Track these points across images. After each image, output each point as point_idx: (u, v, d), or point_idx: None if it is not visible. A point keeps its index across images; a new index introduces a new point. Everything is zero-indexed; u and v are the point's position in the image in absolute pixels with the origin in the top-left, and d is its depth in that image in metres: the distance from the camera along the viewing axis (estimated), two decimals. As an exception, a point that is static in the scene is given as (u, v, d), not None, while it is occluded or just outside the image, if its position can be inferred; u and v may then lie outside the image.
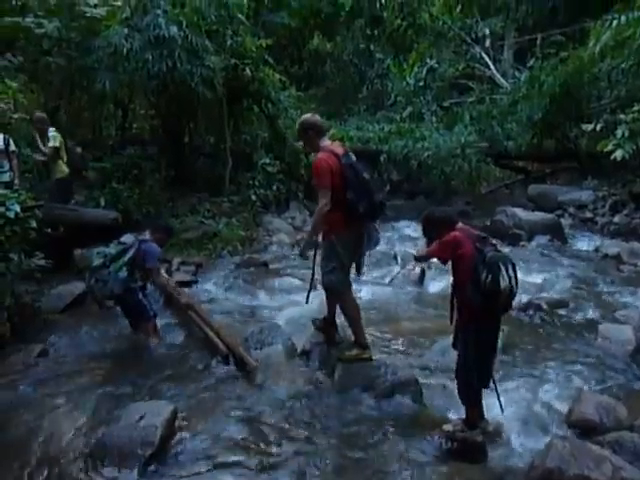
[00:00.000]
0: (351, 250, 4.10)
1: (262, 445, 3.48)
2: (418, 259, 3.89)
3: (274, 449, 3.44)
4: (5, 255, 4.95)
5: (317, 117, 4.21)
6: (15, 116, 11.24)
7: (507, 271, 3.15)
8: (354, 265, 4.26)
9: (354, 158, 4.04)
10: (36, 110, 8.06)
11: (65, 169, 7.29)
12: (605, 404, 3.81)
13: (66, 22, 8.22)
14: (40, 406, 3.85)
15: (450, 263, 3.38)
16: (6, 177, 6.47)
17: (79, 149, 7.33)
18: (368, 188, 3.92)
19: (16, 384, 4.19)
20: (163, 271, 6.48)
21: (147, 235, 4.73)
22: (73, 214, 6.49)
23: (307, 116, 4.24)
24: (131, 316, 4.98)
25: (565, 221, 10.64)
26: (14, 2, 10.16)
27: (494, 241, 3.42)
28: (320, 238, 4.26)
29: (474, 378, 3.41)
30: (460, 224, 3.40)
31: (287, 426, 3.70)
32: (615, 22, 9.58)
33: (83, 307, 5.85)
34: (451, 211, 3.55)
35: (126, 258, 4.50)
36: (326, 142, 4.12)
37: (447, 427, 3.58)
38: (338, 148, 4.07)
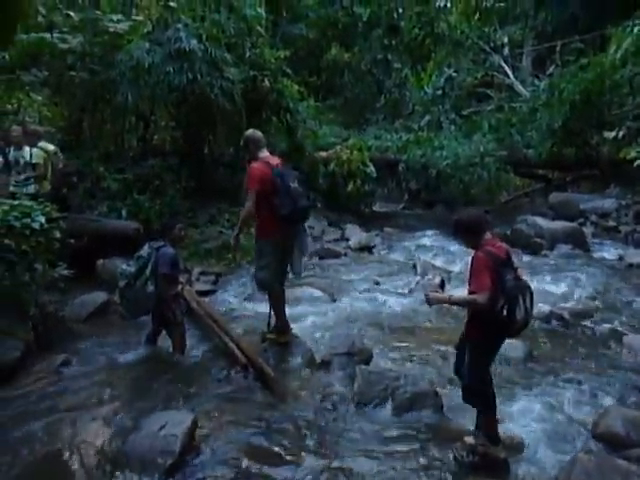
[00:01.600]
0: (280, 250, 4.65)
1: (282, 456, 3.48)
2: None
3: (294, 460, 3.43)
4: (30, 265, 5.04)
5: (257, 133, 4.77)
6: (40, 129, 11.50)
7: (524, 302, 3.18)
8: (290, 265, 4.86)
9: (286, 169, 4.64)
10: (31, 124, 8.07)
11: (46, 186, 6.90)
12: (632, 418, 3.75)
13: (89, 37, 8.41)
14: (62, 414, 3.90)
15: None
16: (31, 189, 6.60)
17: (61, 164, 7.06)
18: (293, 195, 4.42)
19: (40, 393, 4.25)
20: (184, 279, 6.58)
21: (161, 241, 4.74)
22: (95, 225, 6.60)
23: (250, 132, 4.82)
24: (164, 325, 4.94)
25: (587, 230, 10.48)
26: (40, 19, 10.45)
27: (516, 262, 3.39)
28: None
29: (487, 385, 3.47)
30: (489, 235, 3.36)
31: (306, 437, 3.70)
32: (636, 28, 9.49)
33: (106, 316, 5.93)
34: (481, 216, 3.50)
35: (148, 272, 4.51)
36: (265, 154, 4.66)
37: (469, 440, 3.52)
38: (273, 160, 4.65)
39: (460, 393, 4.10)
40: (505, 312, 3.14)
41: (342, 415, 3.95)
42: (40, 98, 11.08)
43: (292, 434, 3.72)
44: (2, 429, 3.71)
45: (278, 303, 4.89)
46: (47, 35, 8.97)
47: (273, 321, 5.01)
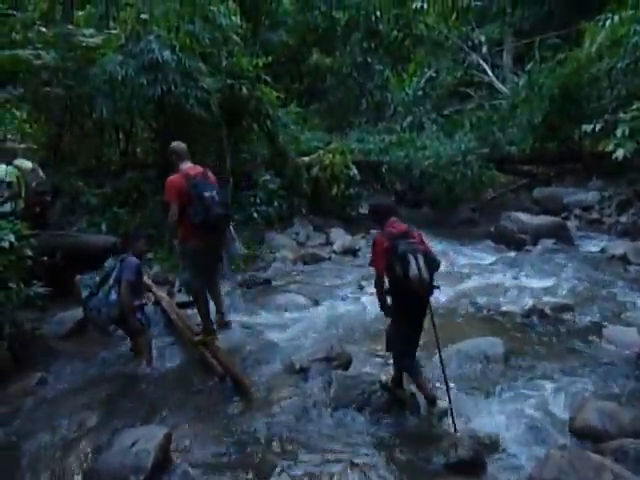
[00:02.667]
0: (201, 255, 4.94)
1: (257, 467, 3.44)
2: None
3: (269, 471, 3.39)
4: (3, 284, 4.98)
5: (180, 145, 5.04)
6: (22, 146, 11.45)
7: (416, 261, 3.58)
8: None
9: (204, 179, 4.84)
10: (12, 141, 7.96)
11: (21, 204, 6.59)
12: (608, 410, 3.73)
13: (62, 53, 8.35)
14: (36, 433, 3.85)
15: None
16: (7, 207, 6.52)
17: (34, 183, 6.89)
18: (206, 204, 4.69)
19: (14, 412, 4.19)
20: (163, 293, 6.54)
21: (124, 254, 4.73)
22: (72, 240, 6.54)
23: (174, 144, 5.12)
24: (132, 336, 4.97)
25: (571, 223, 10.56)
26: (15, 35, 10.41)
27: (415, 234, 3.86)
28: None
29: (401, 353, 4.01)
30: (394, 219, 3.89)
31: (282, 446, 3.66)
32: (609, 22, 9.55)
33: (84, 333, 5.84)
34: (389, 203, 4.46)
35: (111, 281, 4.53)
36: (187, 165, 4.92)
37: (383, 378, 4.13)
38: (194, 170, 4.88)
39: (438, 394, 4.13)
40: (401, 272, 3.58)
41: (318, 422, 3.91)
42: (19, 114, 11.04)
43: (267, 444, 3.69)
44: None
45: (200, 304, 5.17)
46: (21, 52, 8.93)
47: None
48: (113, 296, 4.53)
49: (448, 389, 3.82)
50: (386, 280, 3.83)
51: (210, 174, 5.02)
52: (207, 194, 4.73)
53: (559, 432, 3.76)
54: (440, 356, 3.92)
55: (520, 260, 8.25)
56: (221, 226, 4.96)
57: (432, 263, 3.71)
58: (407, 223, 3.94)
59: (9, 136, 11.44)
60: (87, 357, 5.25)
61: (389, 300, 3.95)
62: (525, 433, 3.74)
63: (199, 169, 4.96)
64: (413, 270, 3.54)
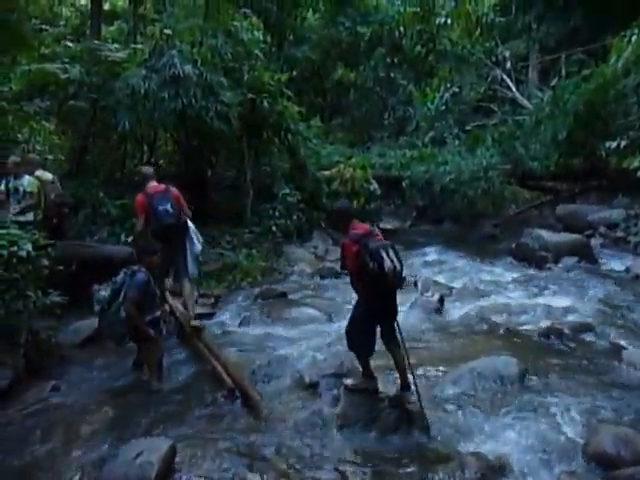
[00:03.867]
0: (166, 257, 5.52)
1: (260, 483, 3.41)
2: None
3: (271, 487, 3.36)
4: (21, 293, 5.07)
5: (147, 169, 6.24)
6: (50, 157, 11.74)
7: (388, 255, 3.85)
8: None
9: (161, 195, 5.77)
10: (41, 152, 8.20)
11: (40, 214, 6.76)
12: (624, 436, 3.60)
13: (88, 67, 8.58)
14: (45, 441, 3.89)
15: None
16: (30, 217, 6.67)
17: (52, 194, 7.01)
18: (159, 216, 5.68)
19: (25, 419, 4.24)
20: (179, 304, 6.56)
21: (136, 266, 4.74)
22: (90, 250, 6.64)
23: (143, 169, 6.41)
24: (141, 349, 4.97)
25: (595, 241, 10.30)
26: (44, 50, 10.74)
27: (377, 232, 4.17)
28: None
29: (358, 337, 4.19)
30: (356, 221, 4.18)
31: (287, 463, 3.61)
32: (635, 37, 9.40)
33: (100, 342, 5.89)
34: (349, 206, 4.68)
35: (120, 298, 4.53)
36: (151, 184, 5.88)
37: (347, 382, 4.30)
38: (153, 189, 5.85)
39: (449, 414, 4.05)
40: (376, 267, 3.79)
41: (325, 438, 3.86)
42: (49, 126, 11.34)
43: (273, 460, 3.65)
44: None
45: (188, 299, 5.99)
46: (49, 65, 9.19)
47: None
48: (123, 313, 4.54)
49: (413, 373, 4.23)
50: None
51: (171, 190, 5.92)
52: (161, 207, 5.69)
53: (572, 456, 3.63)
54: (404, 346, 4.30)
55: (541, 278, 8.09)
56: (172, 232, 5.83)
57: (399, 255, 3.99)
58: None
59: (37, 147, 11.76)
60: (100, 367, 5.32)
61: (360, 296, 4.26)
62: (536, 456, 3.62)
63: (160, 187, 5.91)
64: (387, 263, 3.81)
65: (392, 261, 3.83)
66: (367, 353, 4.25)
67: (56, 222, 6.62)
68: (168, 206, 5.74)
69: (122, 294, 4.52)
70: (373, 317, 4.18)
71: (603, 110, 11.42)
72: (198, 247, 6.17)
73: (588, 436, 3.72)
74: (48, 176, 7.18)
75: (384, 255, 3.82)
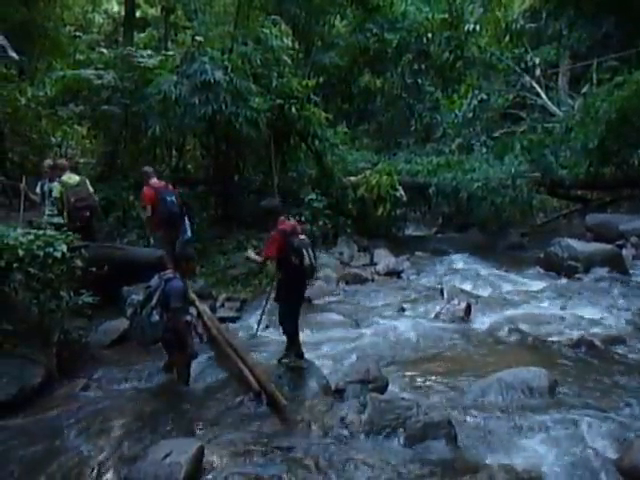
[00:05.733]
0: (167, 237, 7.29)
1: (286, 487, 3.41)
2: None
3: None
4: (55, 293, 5.20)
5: (148, 168, 7.61)
6: (81, 161, 12.01)
7: (308, 253, 4.74)
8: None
9: (165, 189, 7.32)
10: (75, 156, 8.40)
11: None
12: (658, 451, 3.50)
13: (121, 73, 8.77)
14: (75, 439, 3.96)
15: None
16: (60, 219, 6.82)
17: (73, 198, 6.97)
18: (166, 206, 7.16)
19: (56, 417, 4.33)
20: (206, 307, 6.62)
21: (170, 272, 4.79)
22: (120, 253, 6.77)
23: (145, 168, 7.64)
24: (173, 353, 4.99)
25: (627, 251, 10.07)
26: (78, 56, 11.02)
27: (299, 229, 4.99)
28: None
29: (290, 321, 5.03)
30: (282, 218, 4.94)
31: (314, 467, 3.61)
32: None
33: (128, 343, 5.99)
34: (277, 204, 5.35)
35: (153, 302, 4.54)
36: (154, 181, 7.34)
37: (284, 360, 5.02)
38: (159, 184, 7.36)
39: (476, 423, 4.01)
40: (298, 262, 4.69)
41: (351, 445, 3.85)
42: (82, 130, 11.61)
43: (299, 464, 3.64)
44: (6, 454, 3.77)
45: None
46: (84, 71, 9.43)
47: None
48: (156, 317, 4.53)
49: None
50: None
51: (170, 186, 7.48)
52: (168, 199, 7.17)
53: (604, 471, 3.54)
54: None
55: (570, 288, 7.95)
56: (176, 220, 7.27)
57: (315, 253, 4.98)
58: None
59: (70, 150, 12.04)
60: (129, 367, 5.38)
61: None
62: (567, 470, 3.55)
63: (162, 183, 7.42)
64: (306, 259, 4.72)
65: (309, 257, 4.74)
66: (296, 332, 5.12)
67: (80, 225, 6.74)
68: (173, 198, 7.26)
69: (155, 298, 4.55)
70: (293, 301, 5.04)
71: (636, 118, 11.19)
72: (188, 234, 7.52)
73: (622, 451, 3.64)
74: (75, 179, 7.29)
75: (304, 252, 4.71)
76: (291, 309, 5.03)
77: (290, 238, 4.72)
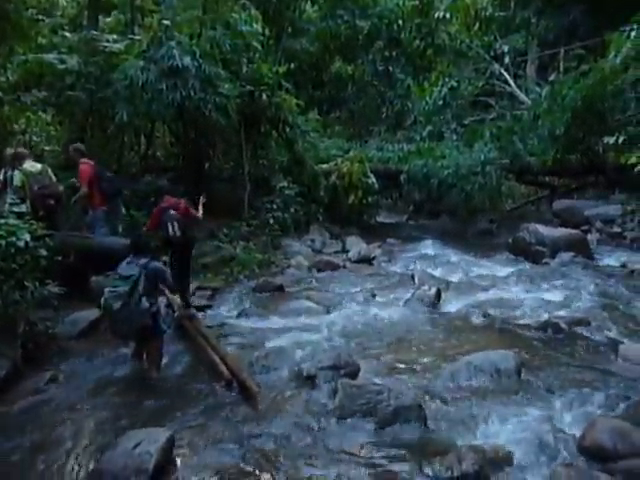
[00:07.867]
0: (106, 215, 7.51)
1: (257, 474, 3.42)
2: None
3: (268, 478, 3.37)
4: (18, 283, 5.06)
5: (81, 145, 7.79)
6: (47, 148, 11.66)
7: (172, 226, 5.80)
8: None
9: (100, 168, 7.60)
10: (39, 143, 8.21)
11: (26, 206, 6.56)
12: (620, 429, 3.62)
13: (86, 57, 8.52)
14: (42, 431, 3.89)
15: None
16: (24, 208, 6.63)
17: (36, 187, 6.82)
18: (108, 183, 7.44)
19: (22, 409, 4.24)
20: (176, 296, 6.55)
21: (142, 258, 4.70)
22: (86, 242, 6.62)
23: (76, 145, 7.75)
24: (143, 340, 4.91)
25: (592, 236, 10.36)
26: (41, 40, 10.65)
27: (180, 206, 6.04)
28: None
29: (176, 281, 5.63)
30: (167, 196, 6.29)
31: (285, 453, 3.63)
32: (634, 32, 9.41)
33: (97, 333, 5.91)
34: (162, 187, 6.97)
35: (140, 288, 4.46)
36: (85, 160, 7.43)
37: (181, 312, 6.06)
38: (88, 162, 7.42)
39: (446, 406, 4.08)
40: (165, 233, 5.84)
41: (323, 430, 3.88)
42: (46, 117, 11.26)
43: (270, 451, 3.66)
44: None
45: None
46: (47, 56, 9.13)
47: None
48: (145, 304, 4.47)
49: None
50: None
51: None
52: (106, 175, 7.53)
53: (568, 449, 3.64)
54: None
55: (537, 273, 8.12)
56: (116, 196, 7.64)
57: (187, 224, 5.99)
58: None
59: (34, 138, 11.68)
60: (98, 358, 5.30)
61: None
62: (533, 449, 3.63)
63: (91, 162, 7.51)
64: (170, 231, 5.80)
65: (174, 230, 5.80)
66: (180, 287, 6.00)
67: (43, 214, 6.56)
68: (108, 174, 7.74)
69: (141, 285, 4.45)
70: (173, 262, 6.12)
71: (601, 106, 11.43)
72: (121, 213, 8.04)
73: (584, 429, 3.74)
74: (37, 167, 7.08)
75: (169, 225, 5.79)
76: (173, 270, 5.78)
77: (164, 212, 5.86)
